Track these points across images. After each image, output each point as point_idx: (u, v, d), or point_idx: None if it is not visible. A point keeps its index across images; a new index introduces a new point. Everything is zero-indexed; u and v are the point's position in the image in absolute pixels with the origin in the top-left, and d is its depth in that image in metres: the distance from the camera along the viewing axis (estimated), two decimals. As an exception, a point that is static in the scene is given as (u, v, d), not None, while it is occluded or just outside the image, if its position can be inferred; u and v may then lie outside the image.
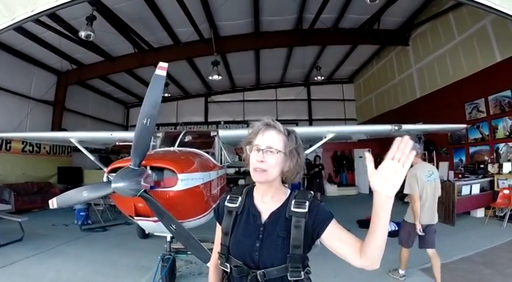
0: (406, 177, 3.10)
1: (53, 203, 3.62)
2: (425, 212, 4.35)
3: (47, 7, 5.28)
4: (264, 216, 1.42)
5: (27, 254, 5.83)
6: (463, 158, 10.20)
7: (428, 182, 4.40)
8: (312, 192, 1.46)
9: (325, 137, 6.02)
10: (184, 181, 3.66)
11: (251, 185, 1.52)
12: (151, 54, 11.59)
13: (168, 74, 3.04)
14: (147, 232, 5.37)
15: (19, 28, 6.04)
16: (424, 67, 12.05)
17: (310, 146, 6.59)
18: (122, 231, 7.93)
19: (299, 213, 1.35)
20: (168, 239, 4.36)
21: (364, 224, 6.81)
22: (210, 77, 12.26)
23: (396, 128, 5.94)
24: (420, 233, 4.33)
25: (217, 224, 1.54)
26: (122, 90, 16.28)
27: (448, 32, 10.50)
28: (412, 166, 3.76)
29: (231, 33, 11.44)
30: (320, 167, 12.44)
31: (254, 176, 1.39)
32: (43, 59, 11.69)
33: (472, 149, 9.87)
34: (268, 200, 1.45)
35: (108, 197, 3.70)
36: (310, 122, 18.19)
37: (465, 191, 7.97)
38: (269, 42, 11.97)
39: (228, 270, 1.41)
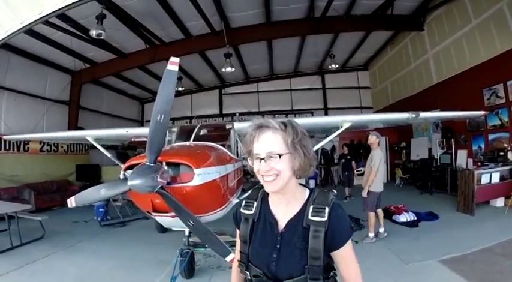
0: (374, 154, 5.22)
1: (71, 202, 3.68)
2: (380, 182, 5.92)
3: (54, 8, 5.31)
4: (281, 224, 1.34)
5: (48, 251, 5.96)
6: (482, 146, 9.90)
7: (382, 163, 5.94)
8: (334, 191, 1.36)
9: (341, 127, 5.92)
10: (200, 176, 3.65)
11: None
12: (163, 49, 11.59)
13: (181, 68, 3.02)
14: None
15: (29, 31, 6.11)
16: (440, 52, 11.68)
17: (326, 136, 6.51)
18: (141, 225, 8.05)
19: (317, 223, 1.25)
20: (187, 233, 4.40)
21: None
22: (223, 69, 12.24)
23: (414, 115, 5.80)
24: (364, 195, 5.94)
25: (237, 229, 1.50)
26: (135, 86, 16.42)
27: (464, 15, 10.13)
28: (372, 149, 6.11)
29: (243, 24, 11.32)
30: (349, 156, 11.12)
31: (266, 188, 1.30)
32: (56, 59, 11.82)
33: (491, 136, 9.55)
34: (284, 207, 1.36)
35: (126, 193, 3.74)
36: (326, 111, 17.95)
37: (485, 179, 7.71)
38: (281, 31, 11.79)
39: (249, 278, 1.38)
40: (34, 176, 11.06)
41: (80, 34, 9.67)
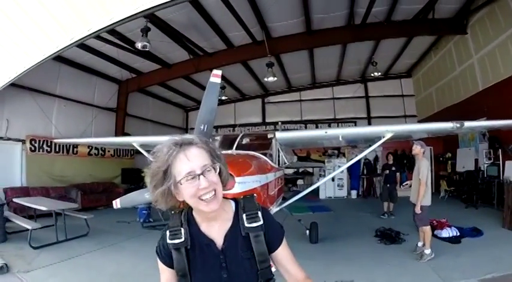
0: (421, 165, 4.85)
1: (117, 204, 3.89)
2: (430, 194, 5.54)
3: (102, 26, 5.51)
4: (219, 241, 1.24)
5: (91, 248, 6.32)
6: (532, 157, 9.16)
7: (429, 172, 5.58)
8: (254, 194, 1.32)
9: (383, 137, 5.77)
10: (241, 184, 3.72)
11: (186, 210, 1.28)
12: (206, 59, 11.88)
13: (224, 77, 3.15)
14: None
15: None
16: (486, 56, 10.99)
17: (369, 146, 6.38)
18: (181, 229, 8.24)
19: (256, 228, 1.23)
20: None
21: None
22: (266, 79, 12.42)
23: (458, 125, 5.50)
24: (418, 211, 5.43)
25: (163, 266, 1.32)
26: (180, 94, 16.94)
27: (508, 16, 9.51)
28: (415, 158, 5.90)
29: (283, 34, 11.36)
30: (394, 168, 9.83)
31: (205, 208, 1.16)
32: (103, 69, 12.58)
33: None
34: (216, 223, 1.26)
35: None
36: (369, 120, 17.60)
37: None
38: (322, 40, 11.76)
39: None
40: (81, 177, 11.82)
41: (126, 46, 10.21)
